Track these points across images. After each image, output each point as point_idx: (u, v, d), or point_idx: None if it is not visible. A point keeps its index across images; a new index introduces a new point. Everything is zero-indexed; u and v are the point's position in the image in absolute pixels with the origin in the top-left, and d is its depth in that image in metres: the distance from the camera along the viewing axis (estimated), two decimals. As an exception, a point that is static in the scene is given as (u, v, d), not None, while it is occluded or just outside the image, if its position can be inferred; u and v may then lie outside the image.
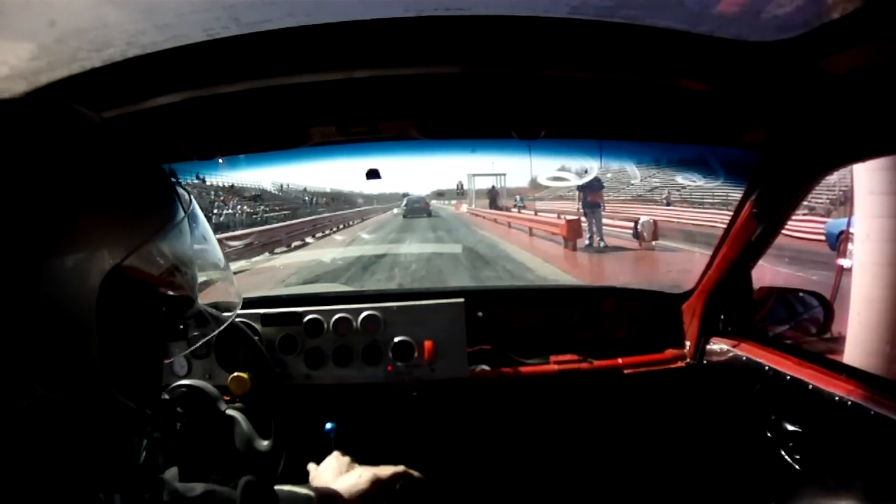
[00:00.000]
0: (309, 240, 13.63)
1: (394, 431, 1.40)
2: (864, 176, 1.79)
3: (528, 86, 1.02)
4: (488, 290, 2.16)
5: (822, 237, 7.04)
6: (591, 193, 10.63)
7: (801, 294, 1.45)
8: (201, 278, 0.55)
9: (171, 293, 0.50)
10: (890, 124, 0.82)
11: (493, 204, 22.51)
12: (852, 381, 0.96)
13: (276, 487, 0.69)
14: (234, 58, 0.86)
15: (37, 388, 0.41)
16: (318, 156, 1.42)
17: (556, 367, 1.46)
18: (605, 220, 10.95)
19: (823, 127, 0.94)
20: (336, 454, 0.91)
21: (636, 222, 10.29)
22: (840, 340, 1.67)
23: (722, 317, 1.39)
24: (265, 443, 1.10)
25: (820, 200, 10.26)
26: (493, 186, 24.10)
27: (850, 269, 1.94)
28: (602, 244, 10.06)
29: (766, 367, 1.16)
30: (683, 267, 6.87)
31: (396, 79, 0.97)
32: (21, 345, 0.42)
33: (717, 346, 1.37)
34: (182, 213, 0.51)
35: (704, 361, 1.41)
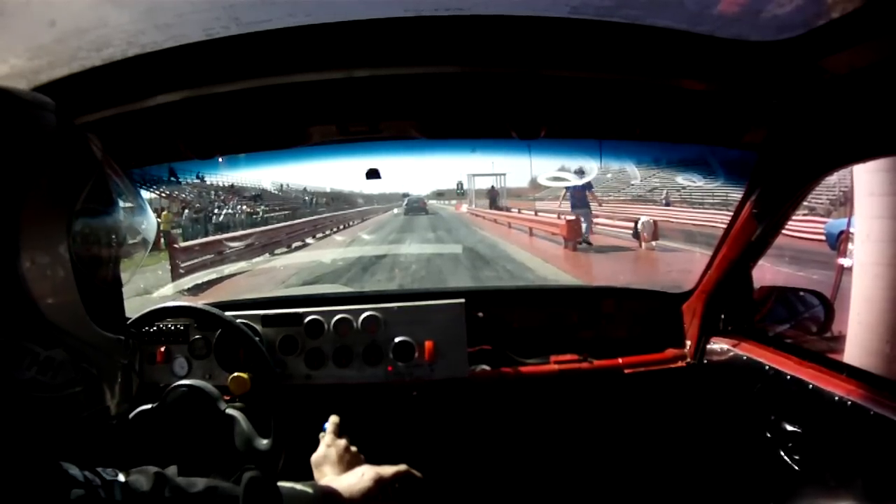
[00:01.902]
0: (309, 240, 13.64)
1: (394, 432, 1.39)
2: (864, 177, 1.79)
3: (528, 86, 1.02)
4: (488, 291, 2.16)
5: (823, 237, 7.04)
6: (578, 192, 10.91)
7: (801, 293, 1.45)
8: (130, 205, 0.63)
9: (118, 227, 0.57)
10: (890, 124, 0.82)
11: (493, 204, 22.53)
12: (852, 380, 0.96)
13: (279, 484, 0.68)
14: (234, 57, 0.87)
15: (38, 351, 0.47)
16: (318, 155, 1.42)
17: (556, 367, 1.46)
18: (605, 221, 11.10)
19: (823, 127, 0.94)
20: (326, 441, 0.91)
21: (636, 222, 10.29)
22: (840, 340, 1.67)
23: (722, 316, 1.39)
24: (265, 442, 1.10)
25: (820, 201, 10.27)
26: (493, 186, 24.14)
27: (850, 269, 1.94)
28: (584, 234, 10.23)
29: (767, 367, 1.16)
30: (683, 267, 6.87)
31: (396, 78, 0.97)
32: (17, 325, 0.47)
33: (718, 345, 1.37)
34: (98, 163, 0.56)
35: (705, 361, 1.41)
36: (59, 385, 0.49)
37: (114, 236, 0.57)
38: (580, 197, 10.93)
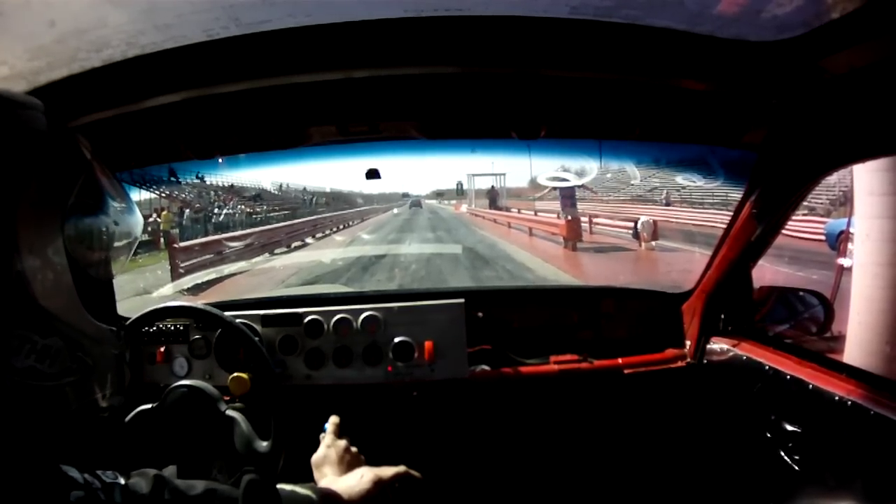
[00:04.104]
0: (309, 240, 13.64)
1: (394, 432, 1.39)
2: (864, 177, 1.80)
3: (528, 86, 1.02)
4: (488, 291, 2.16)
5: (823, 237, 7.05)
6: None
7: (801, 293, 1.45)
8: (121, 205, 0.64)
9: (108, 222, 0.60)
10: (890, 124, 0.82)
11: (493, 204, 22.56)
12: (852, 380, 0.96)
13: (278, 486, 0.68)
14: (233, 58, 0.86)
15: (36, 339, 0.49)
16: (318, 156, 1.42)
17: (556, 367, 1.46)
18: (605, 221, 11.21)
19: (823, 127, 0.94)
20: (326, 442, 0.91)
21: (636, 222, 10.30)
22: (840, 340, 1.67)
23: (722, 316, 1.39)
24: (264, 443, 1.10)
25: (820, 201, 10.26)
26: (493, 186, 24.16)
27: (850, 269, 1.94)
28: None
29: (767, 367, 1.16)
30: (683, 267, 6.87)
31: (396, 79, 0.97)
32: (15, 314, 0.49)
33: (718, 345, 1.37)
34: (87, 161, 0.59)
35: (705, 361, 1.41)
36: (55, 374, 0.51)
37: (104, 230, 0.59)
38: (571, 196, 11.02)
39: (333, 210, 23.89)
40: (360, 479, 0.80)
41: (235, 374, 1.22)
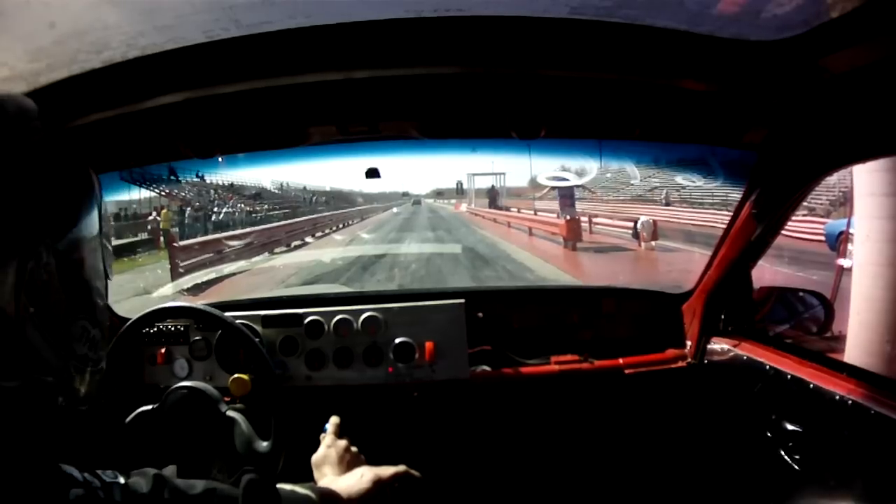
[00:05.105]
0: (309, 239, 13.65)
1: (395, 432, 1.39)
2: (864, 177, 1.80)
3: (528, 86, 1.02)
4: (488, 291, 2.16)
5: (822, 237, 7.05)
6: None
7: (801, 294, 1.45)
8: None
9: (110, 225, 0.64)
10: (890, 124, 0.82)
11: (493, 203, 22.59)
12: (853, 380, 0.96)
13: (278, 486, 0.68)
14: (234, 59, 0.86)
15: (89, 327, 0.52)
16: (318, 155, 1.42)
17: (556, 367, 1.46)
18: (605, 221, 11.27)
19: (823, 127, 0.94)
20: (326, 442, 0.91)
21: (635, 222, 10.30)
22: (840, 340, 1.67)
23: (722, 316, 1.39)
24: (265, 444, 1.10)
25: (820, 201, 10.26)
26: (493, 186, 24.18)
27: (850, 269, 1.94)
28: None
29: (767, 367, 1.16)
30: (683, 267, 6.87)
31: (396, 79, 0.97)
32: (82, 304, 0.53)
33: (718, 345, 1.37)
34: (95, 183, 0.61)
35: (705, 361, 1.41)
36: (97, 360, 0.54)
37: (112, 232, 0.65)
38: (570, 196, 11.08)
39: (333, 209, 23.90)
40: (360, 478, 0.80)
41: (236, 376, 1.22)
